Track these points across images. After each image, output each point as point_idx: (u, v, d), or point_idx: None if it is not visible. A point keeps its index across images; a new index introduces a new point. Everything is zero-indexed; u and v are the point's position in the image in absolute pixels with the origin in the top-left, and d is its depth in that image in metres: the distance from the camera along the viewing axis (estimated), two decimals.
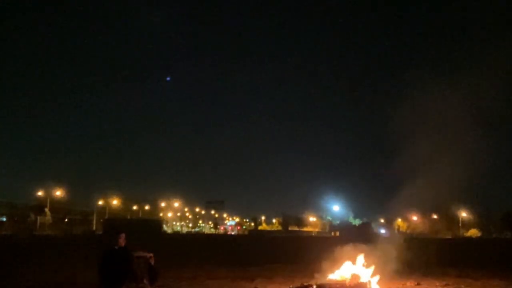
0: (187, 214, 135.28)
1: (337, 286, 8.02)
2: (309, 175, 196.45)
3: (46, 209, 73.86)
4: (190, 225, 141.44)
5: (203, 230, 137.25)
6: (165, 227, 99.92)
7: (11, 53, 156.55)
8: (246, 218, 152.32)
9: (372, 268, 8.46)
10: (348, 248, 8.87)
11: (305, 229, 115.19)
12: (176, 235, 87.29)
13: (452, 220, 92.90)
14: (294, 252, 22.91)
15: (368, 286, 8.10)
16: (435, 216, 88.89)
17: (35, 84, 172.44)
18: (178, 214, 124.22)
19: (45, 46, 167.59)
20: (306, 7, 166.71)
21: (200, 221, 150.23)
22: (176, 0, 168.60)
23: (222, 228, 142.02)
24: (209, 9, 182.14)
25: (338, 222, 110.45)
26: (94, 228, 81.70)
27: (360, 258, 8.70)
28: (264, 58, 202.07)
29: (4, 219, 77.84)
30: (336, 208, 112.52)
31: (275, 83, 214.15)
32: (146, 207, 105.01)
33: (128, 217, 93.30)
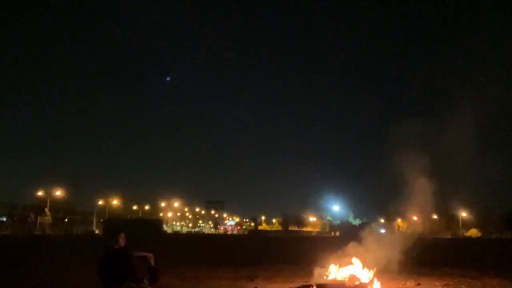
0: (187, 214, 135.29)
1: (337, 286, 8.01)
2: (309, 175, 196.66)
3: (46, 209, 73.86)
4: (190, 225, 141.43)
5: (203, 230, 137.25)
6: (165, 227, 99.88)
7: (11, 53, 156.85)
8: (246, 218, 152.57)
9: (372, 269, 8.44)
10: (348, 248, 8.87)
11: (305, 229, 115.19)
12: (176, 235, 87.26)
13: (452, 220, 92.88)
14: (294, 252, 22.89)
15: (368, 286, 8.09)
16: (435, 216, 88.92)
17: (35, 84, 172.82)
18: (178, 214, 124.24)
19: (45, 46, 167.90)
20: (306, 6, 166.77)
21: (200, 221, 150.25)
22: (176, 0, 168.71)
23: (222, 228, 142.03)
24: (209, 9, 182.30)
25: (338, 222, 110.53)
26: (94, 228, 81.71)
27: (359, 258, 8.69)
28: (264, 58, 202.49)
29: (4, 219, 77.87)
30: (336, 208, 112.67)
31: (276, 83, 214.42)
32: (146, 207, 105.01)
33: (128, 217, 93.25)
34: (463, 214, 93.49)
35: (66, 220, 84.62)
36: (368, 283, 8.12)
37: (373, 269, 8.39)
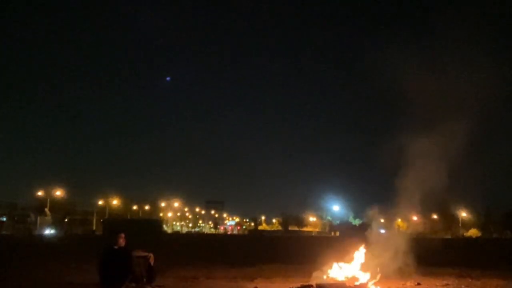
0: (187, 214, 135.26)
1: (337, 286, 8.02)
2: (309, 175, 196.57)
3: (46, 209, 73.83)
4: (190, 225, 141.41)
5: (203, 230, 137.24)
6: (165, 227, 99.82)
7: (11, 53, 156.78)
8: (246, 218, 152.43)
9: (370, 270, 8.45)
10: (348, 248, 8.88)
11: (305, 229, 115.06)
12: (176, 235, 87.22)
13: (452, 220, 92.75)
14: (294, 252, 22.89)
15: (367, 286, 8.09)
16: (435, 216, 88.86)
17: (36, 84, 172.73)
18: (178, 214, 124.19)
19: (45, 46, 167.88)
20: (306, 7, 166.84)
21: (200, 221, 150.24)
22: (176, 1, 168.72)
23: (222, 228, 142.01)
24: (208, 9, 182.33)
25: (338, 222, 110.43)
26: (94, 228, 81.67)
27: (359, 258, 8.70)
28: (264, 58, 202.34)
29: (4, 219, 77.84)
30: (336, 208, 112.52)
31: (275, 83, 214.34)
32: (146, 207, 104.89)
33: (128, 217, 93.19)
34: (463, 214, 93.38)
35: (66, 220, 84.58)
36: (367, 283, 8.12)
37: (374, 270, 8.40)
